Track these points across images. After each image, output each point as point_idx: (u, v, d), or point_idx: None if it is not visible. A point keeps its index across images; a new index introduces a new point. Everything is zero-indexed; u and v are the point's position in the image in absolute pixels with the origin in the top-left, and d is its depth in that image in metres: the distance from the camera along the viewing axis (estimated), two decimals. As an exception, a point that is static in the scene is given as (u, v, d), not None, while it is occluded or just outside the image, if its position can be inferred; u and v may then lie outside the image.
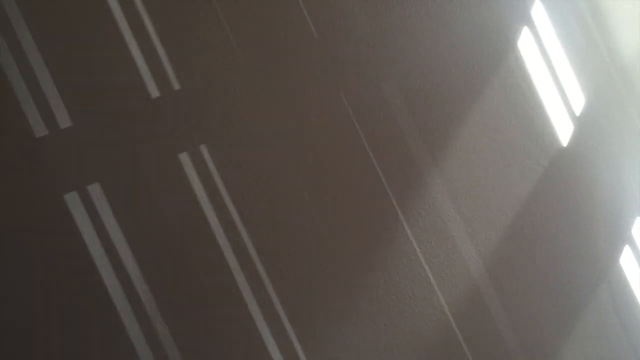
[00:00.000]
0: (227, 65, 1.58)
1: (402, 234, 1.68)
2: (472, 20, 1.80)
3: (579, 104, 1.89)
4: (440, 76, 1.76)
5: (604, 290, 1.85)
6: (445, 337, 1.69)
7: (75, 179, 1.43)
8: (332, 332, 1.59)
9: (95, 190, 1.45)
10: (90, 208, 1.44)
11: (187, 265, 1.49)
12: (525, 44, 1.85)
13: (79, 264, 1.41)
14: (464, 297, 1.72)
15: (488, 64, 1.81)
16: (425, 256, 1.69)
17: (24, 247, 1.36)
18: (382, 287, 1.65)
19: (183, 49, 1.55)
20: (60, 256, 1.39)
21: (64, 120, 1.44)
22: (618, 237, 1.89)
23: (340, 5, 1.69)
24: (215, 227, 1.53)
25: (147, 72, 1.52)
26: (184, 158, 1.53)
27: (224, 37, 1.59)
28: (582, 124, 1.89)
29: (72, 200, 1.43)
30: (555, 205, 1.83)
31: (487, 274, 1.74)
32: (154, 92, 1.52)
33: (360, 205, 1.66)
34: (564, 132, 1.86)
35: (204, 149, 1.54)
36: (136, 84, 1.51)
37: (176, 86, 1.54)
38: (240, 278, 1.53)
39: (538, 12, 1.87)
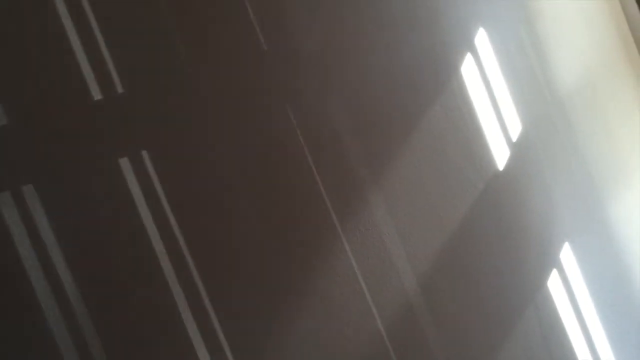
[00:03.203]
0: (172, 71, 1.57)
1: (340, 249, 1.70)
2: (419, 43, 1.84)
3: (516, 130, 1.96)
4: (385, 95, 1.79)
5: (531, 312, 1.91)
6: (377, 351, 1.71)
7: (8, 178, 1.40)
8: (264, 343, 1.59)
9: (29, 192, 1.41)
10: (22, 209, 1.41)
11: (121, 271, 1.46)
12: (468, 69, 1.91)
13: (9, 266, 1.37)
14: (398, 314, 1.74)
15: (431, 87, 1.85)
16: (362, 271, 1.71)
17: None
18: (316, 300, 1.66)
19: (128, 52, 1.53)
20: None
21: (-1, 118, 1.40)
22: (547, 261, 1.95)
23: (290, 19, 1.71)
24: (153, 234, 1.51)
25: (89, 74, 1.49)
26: (124, 163, 1.51)
27: (170, 44, 1.58)
28: (518, 149, 1.95)
29: (4, 200, 1.39)
30: (488, 227, 1.88)
31: (420, 291, 1.78)
32: (96, 94, 1.50)
33: (301, 218, 1.66)
34: (500, 156, 1.92)
35: (145, 155, 1.53)
36: (78, 84, 1.48)
37: (119, 89, 1.52)
38: (175, 286, 1.51)
39: (481, 40, 1.93)
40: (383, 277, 1.74)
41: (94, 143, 1.48)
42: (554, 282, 1.96)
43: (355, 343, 1.68)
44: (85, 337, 1.41)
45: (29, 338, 1.36)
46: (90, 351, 1.41)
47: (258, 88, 1.66)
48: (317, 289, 1.66)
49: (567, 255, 1.99)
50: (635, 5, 2.09)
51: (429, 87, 1.85)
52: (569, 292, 1.98)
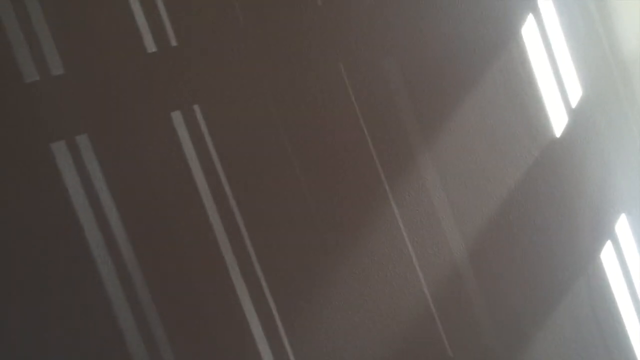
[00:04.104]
0: (227, 25, 1.56)
1: (389, 212, 1.68)
2: (478, 3, 1.79)
3: (576, 96, 1.90)
4: (441, 57, 1.75)
5: (582, 283, 1.88)
6: (422, 316, 1.70)
7: (63, 128, 1.41)
8: (311, 300, 1.59)
9: (83, 141, 1.43)
10: (77, 158, 1.43)
11: (171, 225, 1.48)
12: (528, 31, 1.84)
13: (62, 215, 1.39)
14: (444, 279, 1.73)
15: (490, 49, 1.80)
16: (410, 235, 1.70)
17: (4, 194, 1.34)
18: (364, 261, 1.65)
19: (183, 5, 1.53)
20: (42, 204, 1.38)
21: (56, 67, 1.41)
22: (601, 232, 1.91)
23: (346, -26, 1.67)
24: (203, 188, 1.52)
25: (145, 26, 1.49)
26: (176, 116, 1.51)
27: (226, -3, 1.57)
28: (577, 116, 1.89)
29: (59, 149, 1.41)
30: (542, 195, 1.84)
31: (468, 257, 1.76)
32: (150, 46, 1.50)
33: (349, 179, 1.65)
34: (558, 123, 1.87)
35: (197, 109, 1.53)
36: (133, 37, 1.48)
37: (173, 43, 1.52)
38: (224, 241, 1.52)
39: (544, 1, 1.86)
40: (431, 242, 1.72)
41: (147, 95, 1.48)
42: (607, 254, 1.91)
43: (400, 306, 1.68)
44: (136, 286, 1.44)
45: (81, 287, 1.39)
46: (140, 301, 1.44)
47: (311, 44, 1.63)
48: (364, 250, 1.65)
49: (623, 227, 1.93)
50: None
51: (487, 48, 1.80)
52: (623, 265, 1.94)
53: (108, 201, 1.44)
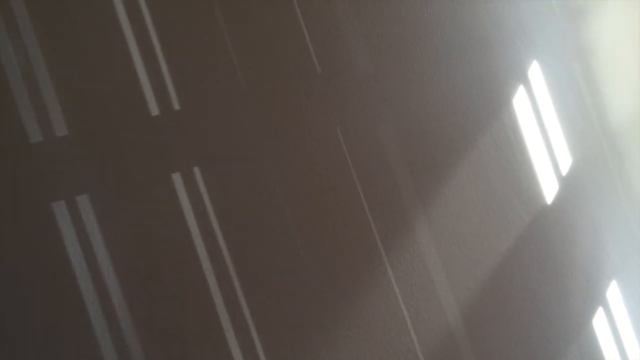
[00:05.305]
0: (229, 91, 1.60)
1: (384, 275, 1.69)
2: (471, 73, 1.85)
3: (565, 164, 1.94)
4: (435, 123, 1.80)
5: (574, 349, 1.88)
6: (416, 381, 1.69)
7: (64, 188, 1.43)
8: (305, 366, 1.58)
9: (83, 201, 1.44)
10: (76, 219, 1.43)
11: (168, 286, 1.48)
12: (519, 101, 1.90)
13: (59, 273, 1.39)
14: (438, 343, 1.73)
15: (482, 117, 1.85)
16: (404, 298, 1.71)
17: (4, 251, 1.35)
18: (358, 324, 1.65)
19: (187, 71, 1.57)
20: (40, 263, 1.38)
21: (60, 128, 1.44)
22: (592, 299, 1.92)
23: (344, 44, 1.73)
24: (200, 249, 1.52)
25: (149, 90, 1.53)
26: (177, 178, 1.53)
27: (228, 63, 1.61)
28: (567, 184, 1.93)
29: (59, 209, 1.42)
30: (534, 261, 1.86)
31: (462, 321, 1.76)
32: (154, 110, 1.53)
33: (346, 241, 1.67)
34: (549, 190, 1.90)
35: (197, 171, 1.55)
36: (137, 100, 1.51)
37: (176, 106, 1.55)
38: (219, 302, 1.52)
39: (534, 72, 1.93)
40: (425, 305, 1.73)
41: (149, 157, 1.51)
42: (599, 321, 1.92)
43: (394, 370, 1.67)
44: (130, 349, 1.43)
45: (75, 346, 1.38)
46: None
47: (310, 109, 1.67)
48: (360, 313, 1.65)
49: (613, 293, 1.95)
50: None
51: (480, 117, 1.84)
52: (614, 331, 1.94)
53: (106, 261, 1.44)
